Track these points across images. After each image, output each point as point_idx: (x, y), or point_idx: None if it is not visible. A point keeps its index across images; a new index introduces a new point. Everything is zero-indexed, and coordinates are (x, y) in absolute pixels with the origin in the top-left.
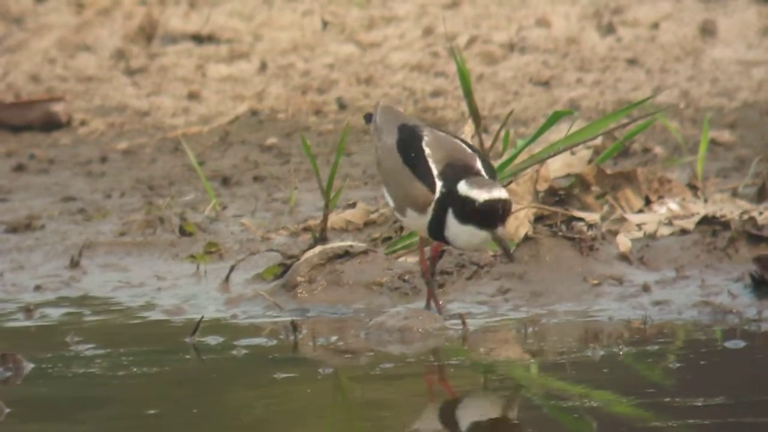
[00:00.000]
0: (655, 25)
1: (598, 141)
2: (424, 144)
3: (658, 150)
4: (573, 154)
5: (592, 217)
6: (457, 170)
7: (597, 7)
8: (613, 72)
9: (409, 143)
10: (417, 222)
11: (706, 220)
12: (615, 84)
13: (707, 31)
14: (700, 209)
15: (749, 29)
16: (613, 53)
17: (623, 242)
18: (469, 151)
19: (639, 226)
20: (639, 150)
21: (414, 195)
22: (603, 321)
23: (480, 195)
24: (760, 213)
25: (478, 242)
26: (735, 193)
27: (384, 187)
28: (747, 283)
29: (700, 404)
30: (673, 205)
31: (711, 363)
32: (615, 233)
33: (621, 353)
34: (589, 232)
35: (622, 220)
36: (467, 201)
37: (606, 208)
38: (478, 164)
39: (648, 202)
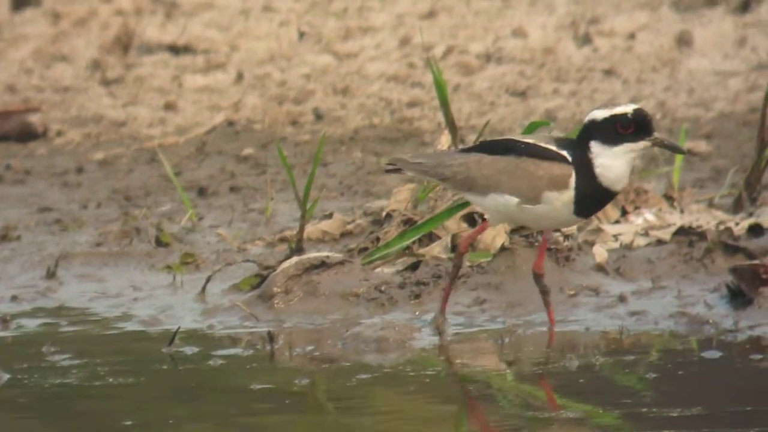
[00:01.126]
0: (632, 36)
1: None
2: (516, 138)
3: (638, 161)
4: None
5: (569, 227)
6: (564, 141)
7: (573, 17)
8: (590, 82)
9: (498, 145)
10: (556, 204)
11: (682, 231)
12: (591, 94)
13: (684, 41)
14: (677, 220)
15: (725, 40)
16: (589, 64)
17: (600, 253)
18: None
19: (615, 236)
20: None
21: (549, 174)
22: (580, 331)
23: (626, 108)
24: (737, 223)
25: (634, 158)
26: (711, 204)
27: (491, 195)
28: (723, 294)
29: (676, 415)
30: (649, 216)
31: (688, 373)
32: (591, 244)
33: (598, 363)
34: (566, 243)
35: (599, 230)
36: (617, 117)
37: None
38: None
39: (624, 212)
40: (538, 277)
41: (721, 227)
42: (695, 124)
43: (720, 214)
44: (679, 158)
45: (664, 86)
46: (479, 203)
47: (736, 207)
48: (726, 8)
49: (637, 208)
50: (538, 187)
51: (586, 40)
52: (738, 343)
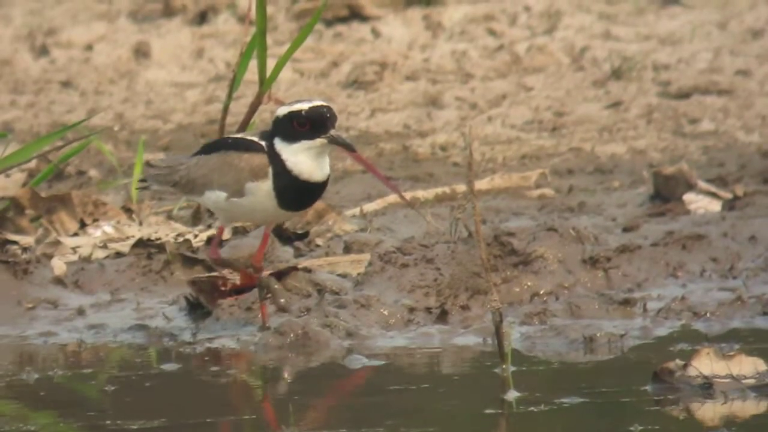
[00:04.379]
0: (90, 47)
1: (33, 164)
2: (232, 136)
3: (93, 173)
4: (7, 176)
5: (27, 240)
6: (268, 133)
7: (30, 28)
8: (47, 94)
9: (214, 144)
10: (259, 195)
11: (141, 243)
12: (49, 106)
13: (142, 52)
14: (135, 232)
15: (183, 51)
16: (47, 75)
17: (58, 265)
18: None
19: (74, 249)
20: (74, 173)
21: (249, 164)
22: (38, 344)
23: (302, 105)
24: (195, 235)
25: (317, 154)
26: (170, 216)
27: (206, 194)
28: (182, 306)
29: (137, 427)
30: (108, 228)
31: (148, 386)
32: (50, 257)
33: (57, 376)
34: (24, 256)
35: (57, 243)
36: (293, 115)
37: (41, 231)
38: None
39: (83, 225)
40: (257, 270)
41: (180, 239)
42: (154, 136)
43: (179, 226)
44: (137, 169)
45: (123, 98)
46: (202, 203)
47: (195, 219)
48: (183, 19)
49: (96, 220)
50: (240, 179)
51: (43, 51)
52: (197, 355)
